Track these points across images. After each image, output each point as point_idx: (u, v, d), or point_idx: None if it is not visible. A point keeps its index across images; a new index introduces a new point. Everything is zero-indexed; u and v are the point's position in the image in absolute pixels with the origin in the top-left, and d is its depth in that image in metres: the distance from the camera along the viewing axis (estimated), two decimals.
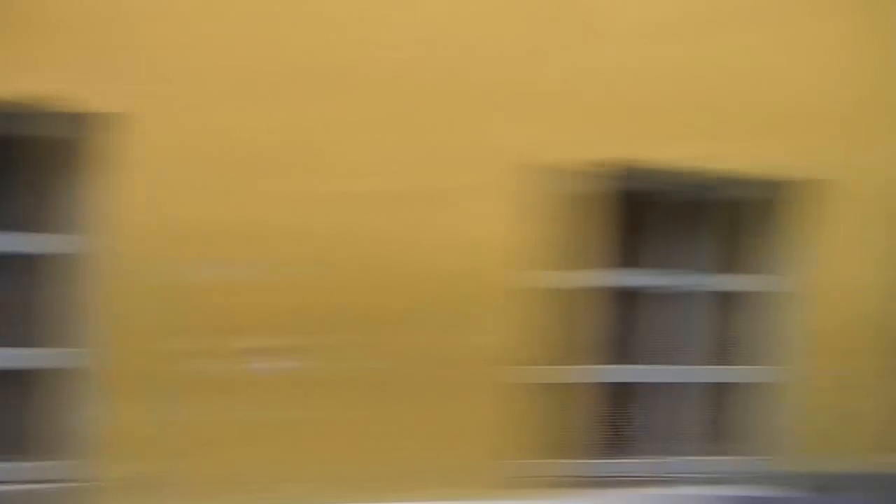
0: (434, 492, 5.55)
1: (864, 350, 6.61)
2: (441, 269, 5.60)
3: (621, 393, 6.52)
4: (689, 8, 6.08)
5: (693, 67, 6.10)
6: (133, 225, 4.98)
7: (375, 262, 5.49)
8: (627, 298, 6.48)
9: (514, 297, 5.77)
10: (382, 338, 5.51)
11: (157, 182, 5.00)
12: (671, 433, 6.60)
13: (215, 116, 5.14)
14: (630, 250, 6.46)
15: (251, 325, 5.27)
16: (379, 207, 5.48)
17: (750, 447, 6.71)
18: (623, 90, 5.95)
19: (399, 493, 5.47)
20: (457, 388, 5.69)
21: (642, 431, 6.57)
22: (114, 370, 5.02)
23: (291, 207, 5.31)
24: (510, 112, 5.71)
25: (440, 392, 5.66)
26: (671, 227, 6.53)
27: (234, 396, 5.23)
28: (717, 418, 6.76)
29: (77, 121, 4.90)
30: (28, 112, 4.79)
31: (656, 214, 6.51)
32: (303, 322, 5.36)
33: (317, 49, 5.33)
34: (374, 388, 5.53)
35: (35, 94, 4.71)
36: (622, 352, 6.50)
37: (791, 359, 6.62)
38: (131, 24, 4.91)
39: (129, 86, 4.90)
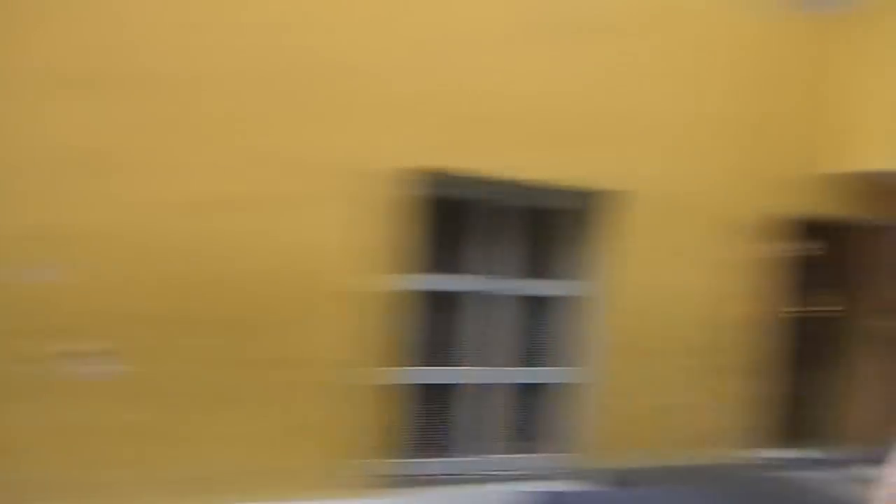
0: (262, 493, 5.56)
1: (666, 351, 6.95)
2: (271, 273, 5.62)
3: (437, 394, 6.67)
4: (505, 24, 6.30)
5: (507, 80, 6.32)
6: None
7: (207, 265, 5.46)
8: (442, 302, 6.63)
9: (341, 301, 5.83)
10: (213, 341, 5.48)
11: None
12: (484, 433, 6.79)
13: (37, 120, 5.00)
14: (444, 255, 6.62)
15: (75, 328, 5.13)
16: (209, 212, 5.44)
17: (558, 445, 6.98)
18: (442, 100, 6.11)
19: (227, 495, 5.44)
20: (286, 390, 5.71)
21: (457, 431, 6.73)
22: None
23: (119, 211, 5.21)
24: (336, 119, 5.79)
25: (269, 394, 5.66)
26: (484, 233, 6.73)
27: (54, 399, 5.08)
28: (528, 418, 7.00)
29: None
30: None
31: (470, 221, 6.70)
32: (135, 325, 5.27)
33: (146, 53, 5.27)
34: (205, 392, 5.49)
35: None
36: (438, 354, 6.66)
37: (597, 360, 6.90)
38: None
39: None
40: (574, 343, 6.99)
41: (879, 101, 7.36)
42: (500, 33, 6.28)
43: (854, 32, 7.49)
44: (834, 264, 8.59)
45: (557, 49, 6.46)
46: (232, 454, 5.58)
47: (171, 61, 5.32)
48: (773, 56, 7.38)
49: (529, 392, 6.98)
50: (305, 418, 5.77)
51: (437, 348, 6.66)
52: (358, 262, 5.87)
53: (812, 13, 7.53)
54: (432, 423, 6.65)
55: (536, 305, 6.97)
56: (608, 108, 6.68)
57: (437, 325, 6.64)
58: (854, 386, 8.38)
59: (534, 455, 6.92)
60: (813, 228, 7.94)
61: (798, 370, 8.16)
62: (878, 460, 7.58)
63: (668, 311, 6.95)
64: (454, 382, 6.71)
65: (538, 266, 6.97)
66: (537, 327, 7.00)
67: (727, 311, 7.23)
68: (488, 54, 6.24)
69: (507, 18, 6.31)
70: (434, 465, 6.55)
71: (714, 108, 7.11)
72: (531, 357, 6.98)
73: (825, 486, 7.21)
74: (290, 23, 5.64)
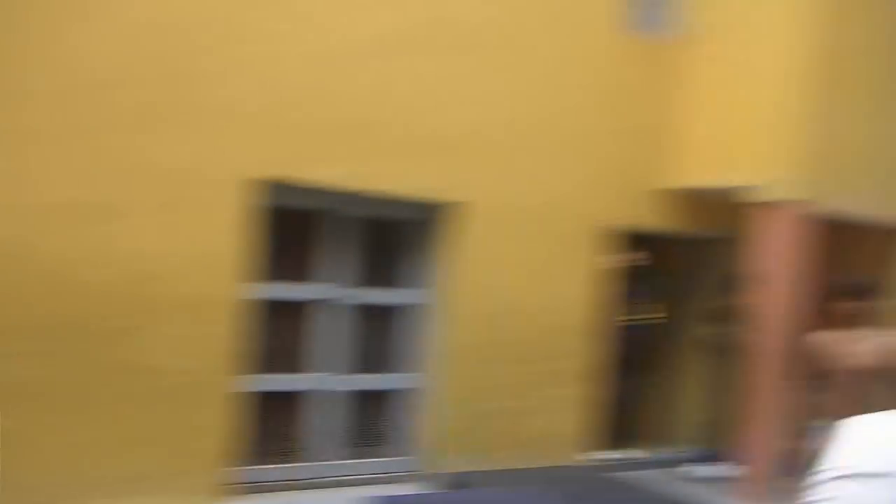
0: (111, 500, 5.47)
1: (505, 357, 7.15)
2: (119, 280, 5.55)
3: (284, 401, 6.70)
4: (353, 39, 6.40)
5: (353, 94, 6.43)
6: None
7: (59, 272, 5.37)
8: (288, 310, 6.67)
9: (190, 309, 5.81)
10: (63, 348, 5.39)
11: None
12: (330, 438, 6.85)
13: None
14: (290, 264, 6.66)
15: None
16: (60, 219, 5.36)
17: (401, 449, 7.10)
18: (288, 112, 6.17)
19: (74, 501, 5.34)
20: (137, 397, 5.65)
21: (303, 437, 6.78)
22: None
23: None
24: (185, 127, 5.77)
25: (120, 401, 5.59)
26: (329, 242, 6.80)
27: None
28: (372, 423, 7.10)
29: None
30: None
31: (315, 231, 6.75)
32: None
33: (3, 63, 5.15)
34: (56, 398, 5.38)
35: None
36: (285, 362, 6.69)
37: (439, 367, 7.06)
38: None
39: None
40: (417, 350, 7.13)
41: (705, 121, 7.81)
42: (348, 48, 6.39)
43: (689, 57, 7.93)
44: (664, 275, 9.02)
45: (405, 64, 6.61)
46: (82, 460, 5.48)
47: (27, 70, 5.22)
48: (616, 76, 7.74)
49: (374, 398, 7.08)
50: (156, 425, 5.72)
51: (284, 356, 6.69)
52: (208, 271, 5.86)
53: (653, 37, 7.95)
54: (279, 430, 6.67)
55: (380, 313, 7.08)
56: (454, 122, 6.86)
57: (284, 333, 6.67)
58: (681, 389, 8.81)
59: (378, 459, 7.02)
60: (645, 240, 8.33)
61: (630, 375, 8.52)
62: (704, 460, 8.04)
63: (508, 319, 7.15)
64: (301, 389, 6.76)
65: (382, 275, 7.08)
66: (381, 335, 7.12)
67: (564, 318, 7.50)
68: (336, 68, 6.33)
69: (355, 34, 6.41)
70: (282, 470, 6.57)
71: (558, 125, 7.39)
72: (375, 364, 7.08)
73: (655, 486, 7.57)
74: (142, 32, 5.60)
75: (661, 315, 9.05)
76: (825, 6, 7.45)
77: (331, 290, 6.79)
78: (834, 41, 7.47)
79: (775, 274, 7.35)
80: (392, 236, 7.13)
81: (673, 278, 8.97)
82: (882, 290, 6.63)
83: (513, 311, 7.17)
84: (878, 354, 5.59)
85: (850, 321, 5.75)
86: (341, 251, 6.83)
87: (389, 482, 6.79)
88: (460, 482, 6.70)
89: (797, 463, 5.93)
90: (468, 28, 6.88)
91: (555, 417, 7.46)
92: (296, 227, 6.65)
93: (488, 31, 6.98)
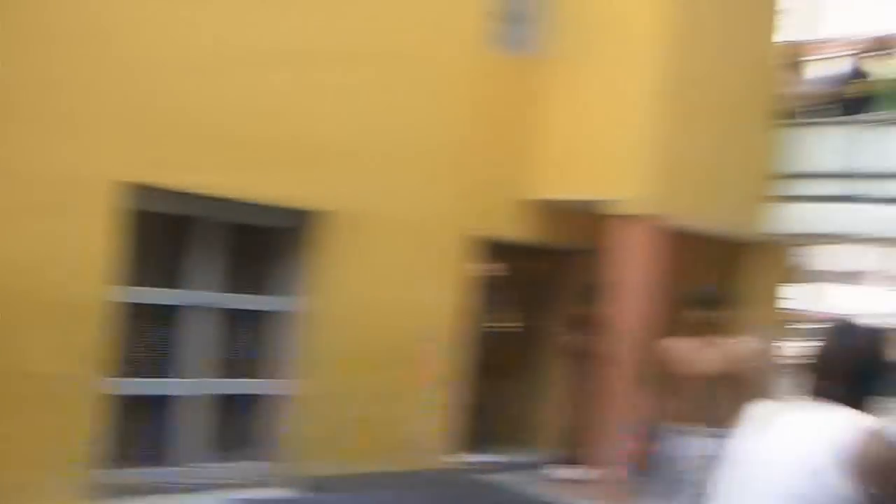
0: None
1: (373, 363, 7.28)
2: None
3: (152, 405, 6.70)
4: (226, 48, 6.47)
5: (226, 102, 6.50)
6: None
7: None
8: (158, 315, 6.68)
9: (57, 312, 5.76)
10: None
11: None
12: (198, 442, 6.87)
13: None
14: (160, 269, 6.69)
15: None
16: None
17: (269, 453, 7.15)
18: (157, 117, 6.20)
19: None
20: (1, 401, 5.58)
21: (171, 441, 6.78)
22: None
23: None
24: (54, 130, 5.75)
25: None
26: (197, 248, 6.83)
27: None
28: (240, 427, 7.15)
29: None
30: None
31: (187, 236, 6.78)
32: None
33: None
34: None
35: None
36: (153, 365, 6.70)
37: (308, 372, 7.15)
38: None
39: None
40: (286, 356, 7.21)
41: (567, 137, 8.13)
42: (222, 58, 6.45)
43: (553, 75, 8.23)
44: (527, 284, 9.31)
45: (278, 75, 6.71)
46: None
47: None
48: (484, 92, 8.00)
49: (241, 403, 7.14)
50: (22, 429, 5.66)
51: (152, 360, 6.70)
52: (75, 274, 5.85)
53: (520, 56, 8.24)
54: (146, 433, 6.67)
55: (250, 319, 7.14)
56: (326, 133, 6.99)
57: (152, 337, 6.69)
58: (543, 395, 9.10)
59: (244, 463, 7.07)
60: (510, 250, 8.59)
61: (494, 381, 8.76)
62: (563, 462, 8.33)
63: (375, 326, 7.31)
64: (169, 393, 6.76)
65: (252, 281, 7.15)
66: (250, 341, 7.18)
67: (435, 325, 7.70)
68: (210, 77, 6.39)
69: (230, 45, 6.48)
70: (148, 474, 6.56)
71: (427, 137, 7.60)
72: (243, 369, 7.14)
73: (516, 487, 7.82)
74: (11, 35, 5.55)
75: (525, 323, 9.34)
76: (676, 34, 7.88)
77: (199, 295, 6.82)
78: (683, 67, 7.90)
79: (631, 284, 7.71)
80: (263, 243, 7.20)
81: (535, 287, 9.26)
82: (729, 300, 7.00)
83: (380, 318, 7.33)
84: (724, 361, 5.91)
85: (698, 329, 6.06)
86: (210, 257, 6.86)
87: (254, 486, 6.85)
88: (321, 486, 6.80)
89: (650, 464, 6.26)
90: (341, 42, 7.02)
91: (420, 422, 7.64)
92: (165, 231, 6.68)
93: (361, 45, 7.13)
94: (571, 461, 8.29)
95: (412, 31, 7.47)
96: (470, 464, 8.15)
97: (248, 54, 6.55)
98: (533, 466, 8.50)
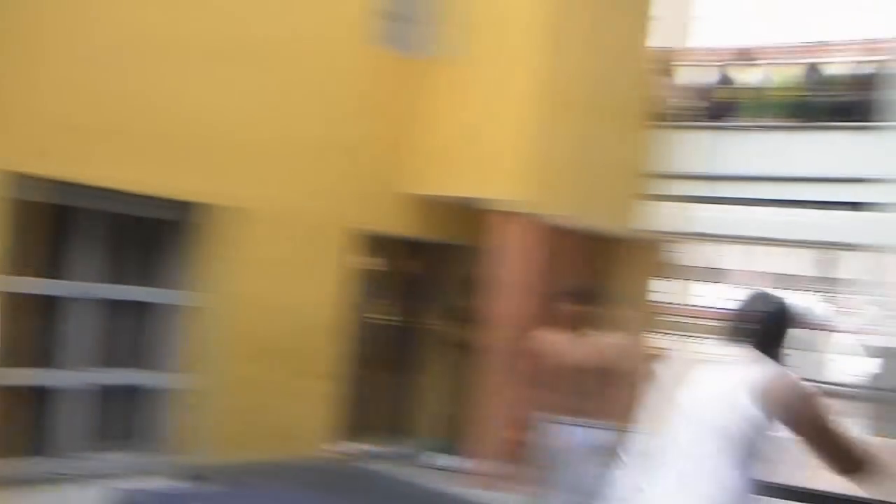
0: None
1: (262, 355, 7.37)
2: None
3: (36, 396, 6.65)
4: (116, 38, 6.47)
5: (114, 93, 6.50)
6: None
7: None
8: (43, 306, 6.64)
9: None
10: None
11: None
12: (84, 433, 6.85)
13: None
14: (45, 260, 6.64)
15: None
16: None
17: (155, 445, 7.19)
18: (42, 105, 6.16)
19: None
20: None
21: (57, 432, 6.75)
22: None
23: None
24: None
25: None
26: (83, 239, 6.81)
27: None
28: (127, 419, 7.16)
29: None
30: None
31: (69, 227, 6.75)
32: None
33: None
34: None
35: None
36: (37, 356, 6.65)
37: (198, 365, 7.21)
38: None
39: None
40: (172, 347, 7.25)
41: (450, 135, 8.36)
42: (110, 49, 6.45)
43: (437, 75, 8.45)
44: (410, 277, 9.51)
45: (168, 68, 6.75)
46: None
47: None
48: (371, 89, 8.17)
49: (126, 394, 7.14)
50: None
51: (33, 350, 6.64)
52: None
53: (405, 55, 8.42)
54: (27, 424, 6.60)
55: (136, 311, 7.15)
56: (215, 127, 7.06)
57: (34, 327, 6.63)
58: (424, 385, 9.33)
59: (130, 454, 7.07)
60: (394, 245, 8.79)
61: (376, 372, 8.96)
62: (442, 451, 8.55)
63: (261, 318, 7.40)
64: (52, 384, 6.72)
65: (139, 273, 7.17)
66: (136, 332, 7.19)
67: (315, 317, 7.83)
68: (98, 67, 6.39)
69: (119, 35, 6.49)
70: (31, 465, 6.51)
71: (314, 133, 7.72)
72: (129, 360, 7.15)
73: (397, 475, 8.00)
74: None
75: (406, 316, 9.54)
76: (555, 37, 8.19)
77: (83, 286, 6.80)
78: (562, 68, 8.22)
79: (509, 279, 7.99)
80: (149, 235, 7.22)
81: (417, 281, 9.47)
82: (602, 294, 7.31)
83: (265, 310, 7.42)
84: (596, 354, 6.20)
85: (573, 323, 6.33)
86: (95, 248, 6.85)
87: (138, 477, 6.85)
88: (203, 476, 6.84)
89: (525, 454, 6.51)
90: (229, 35, 7.09)
91: (304, 411, 7.75)
92: (49, 222, 6.61)
93: (248, 39, 7.21)
94: (450, 451, 8.52)
95: (299, 26, 7.57)
96: (351, 453, 8.31)
97: (136, 45, 6.57)
98: (413, 456, 8.71)
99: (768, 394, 2.99)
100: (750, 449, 3.02)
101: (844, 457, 3.02)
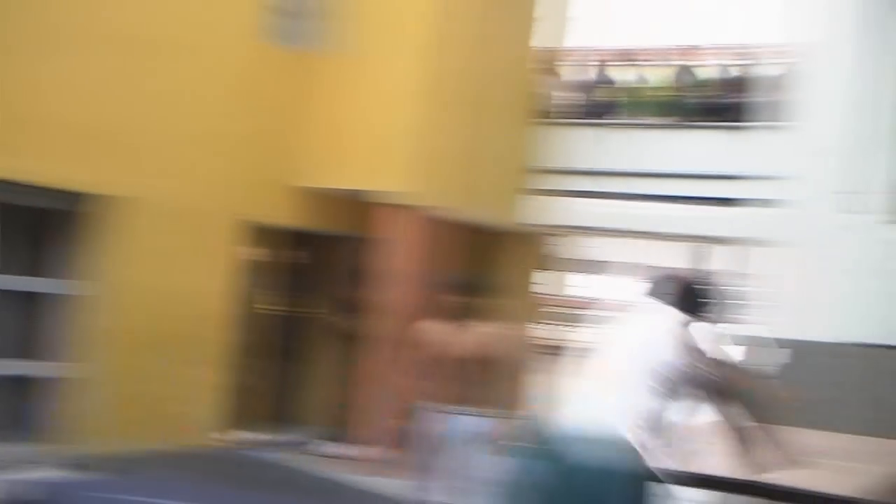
0: None
1: (156, 345, 7.41)
2: None
3: None
4: (22, 31, 6.49)
5: (12, 85, 6.50)
6: None
7: None
8: None
9: None
10: None
11: None
12: None
13: None
14: None
15: None
16: None
17: (42, 434, 7.15)
18: None
19: None
20: None
21: None
22: None
23: None
24: None
25: None
26: None
27: None
28: (19, 409, 7.14)
29: None
30: None
31: None
32: None
33: None
34: None
35: None
36: None
37: (90, 355, 7.22)
38: None
39: None
40: (66, 338, 7.25)
41: (341, 129, 8.51)
42: (7, 39, 6.46)
43: (328, 69, 8.60)
44: (304, 269, 9.62)
45: (57, 57, 6.75)
46: None
47: None
48: (262, 83, 8.28)
49: (18, 385, 7.13)
50: None
51: None
52: None
53: (296, 49, 8.55)
54: None
55: (30, 302, 7.15)
56: (104, 117, 7.08)
57: None
58: (313, 375, 9.46)
59: (20, 445, 7.00)
60: (288, 236, 8.90)
61: (271, 362, 9.07)
62: (330, 439, 8.70)
63: (151, 308, 7.46)
64: None
65: (29, 263, 7.15)
66: (30, 322, 7.18)
67: (213, 308, 7.92)
68: None
69: (6, 25, 6.47)
70: None
71: (206, 125, 7.80)
72: (21, 351, 7.13)
73: (285, 463, 8.11)
74: None
75: (296, 306, 9.66)
76: (442, 34, 8.42)
77: None
78: (449, 65, 8.48)
79: (400, 270, 8.19)
80: (39, 226, 7.20)
81: (307, 272, 9.60)
82: (486, 286, 7.56)
83: (155, 300, 7.47)
84: (477, 344, 6.43)
85: (457, 314, 6.54)
86: None
87: (26, 467, 6.81)
88: (91, 465, 6.85)
89: (410, 441, 6.70)
90: (124, 29, 7.15)
91: (194, 400, 7.82)
92: None
93: (139, 31, 7.26)
94: (337, 438, 8.68)
95: (190, 20, 7.64)
96: (241, 441, 8.40)
97: (28, 36, 6.57)
98: (301, 443, 8.83)
99: (681, 345, 3.66)
100: (670, 387, 3.61)
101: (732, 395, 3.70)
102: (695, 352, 3.71)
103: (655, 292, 3.89)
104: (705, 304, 3.88)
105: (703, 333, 3.83)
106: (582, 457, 3.47)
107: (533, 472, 3.52)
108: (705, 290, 3.96)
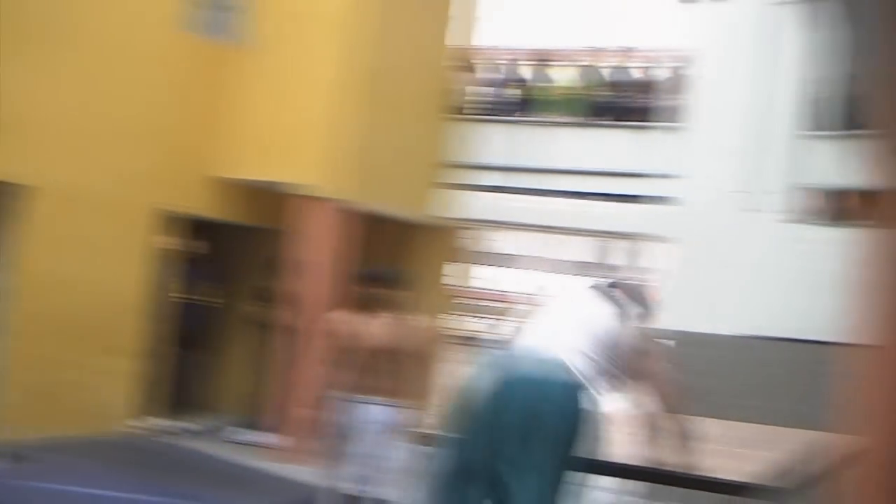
0: None
1: (65, 333, 7.48)
2: None
3: None
4: None
5: None
6: None
7: None
8: None
9: None
10: None
11: None
12: None
13: None
14: None
15: None
16: None
17: None
18: None
19: None
20: None
21: None
22: None
23: None
24: None
25: None
26: None
27: None
28: None
29: None
30: None
31: None
32: None
33: None
34: None
35: None
36: None
37: (5, 343, 7.25)
38: None
39: None
40: None
41: (259, 121, 8.64)
42: None
43: (248, 62, 8.73)
44: (218, 258, 9.72)
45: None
46: None
47: None
48: (182, 74, 8.40)
49: None
50: None
51: None
52: None
53: (217, 41, 8.66)
54: None
55: None
56: (20, 106, 7.09)
57: None
58: (230, 363, 9.58)
59: None
60: (202, 226, 8.99)
61: (184, 350, 9.16)
62: (247, 427, 8.81)
63: (69, 297, 7.51)
64: None
65: None
66: None
67: (123, 296, 7.98)
68: None
69: None
70: None
71: (125, 115, 7.88)
72: None
73: (201, 450, 8.21)
74: None
75: (215, 296, 9.76)
76: (362, 30, 8.59)
77: None
78: (368, 61, 8.66)
79: (314, 261, 8.35)
80: None
81: (226, 262, 9.70)
82: (400, 278, 7.74)
83: (69, 289, 7.52)
84: (389, 335, 6.58)
85: (370, 305, 6.68)
86: None
87: None
88: (20, 455, 6.86)
89: (321, 429, 6.85)
90: (44, 19, 7.19)
91: (109, 389, 7.90)
92: None
93: (65, 23, 7.32)
94: (252, 426, 8.81)
95: (107, 8, 7.71)
96: (157, 429, 8.49)
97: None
98: (216, 431, 8.95)
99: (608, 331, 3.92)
100: (605, 349, 3.87)
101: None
102: (619, 341, 3.95)
103: (595, 287, 4.12)
104: (638, 304, 4.10)
105: (628, 328, 4.04)
106: (525, 370, 3.71)
107: (479, 381, 3.72)
108: (640, 291, 4.20)
